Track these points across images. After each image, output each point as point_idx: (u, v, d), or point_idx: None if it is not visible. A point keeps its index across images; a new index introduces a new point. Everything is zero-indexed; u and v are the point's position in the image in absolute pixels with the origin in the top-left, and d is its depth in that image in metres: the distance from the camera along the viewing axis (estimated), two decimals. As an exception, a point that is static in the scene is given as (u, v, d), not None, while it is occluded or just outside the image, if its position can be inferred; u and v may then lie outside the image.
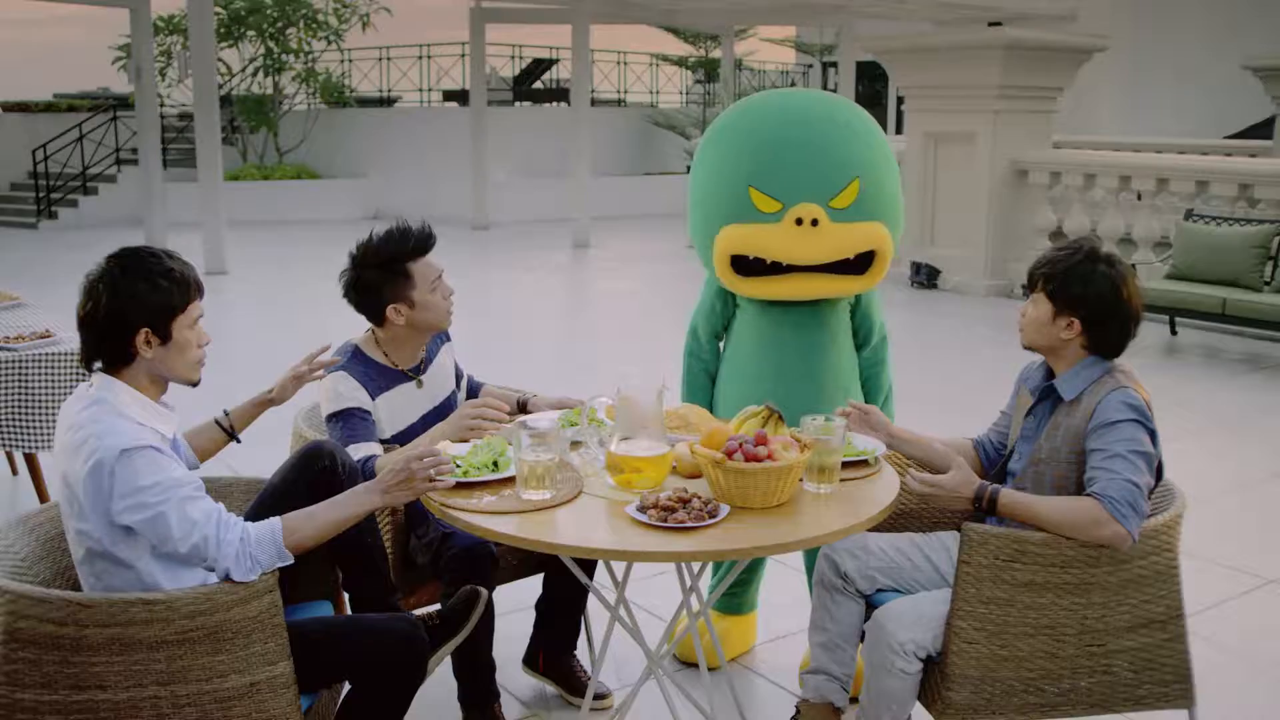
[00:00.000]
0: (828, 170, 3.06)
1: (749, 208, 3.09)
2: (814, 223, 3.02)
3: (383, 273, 3.05)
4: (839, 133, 3.13)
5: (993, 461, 2.90)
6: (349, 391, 3.01)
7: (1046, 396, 2.72)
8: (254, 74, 19.14)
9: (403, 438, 3.06)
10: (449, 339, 3.36)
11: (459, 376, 3.43)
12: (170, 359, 2.37)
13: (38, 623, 2.14)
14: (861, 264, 3.12)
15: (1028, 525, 2.53)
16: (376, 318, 3.10)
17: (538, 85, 23.55)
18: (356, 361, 3.08)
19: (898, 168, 3.28)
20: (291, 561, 2.32)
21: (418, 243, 3.08)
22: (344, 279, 3.10)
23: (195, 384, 2.46)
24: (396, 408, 3.10)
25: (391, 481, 2.41)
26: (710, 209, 3.21)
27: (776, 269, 3.11)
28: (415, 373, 3.17)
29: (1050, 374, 2.74)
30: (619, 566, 2.82)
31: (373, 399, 3.04)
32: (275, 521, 2.32)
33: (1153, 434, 2.57)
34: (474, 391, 3.47)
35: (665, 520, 2.28)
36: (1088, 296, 2.60)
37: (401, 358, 3.14)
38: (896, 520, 3.02)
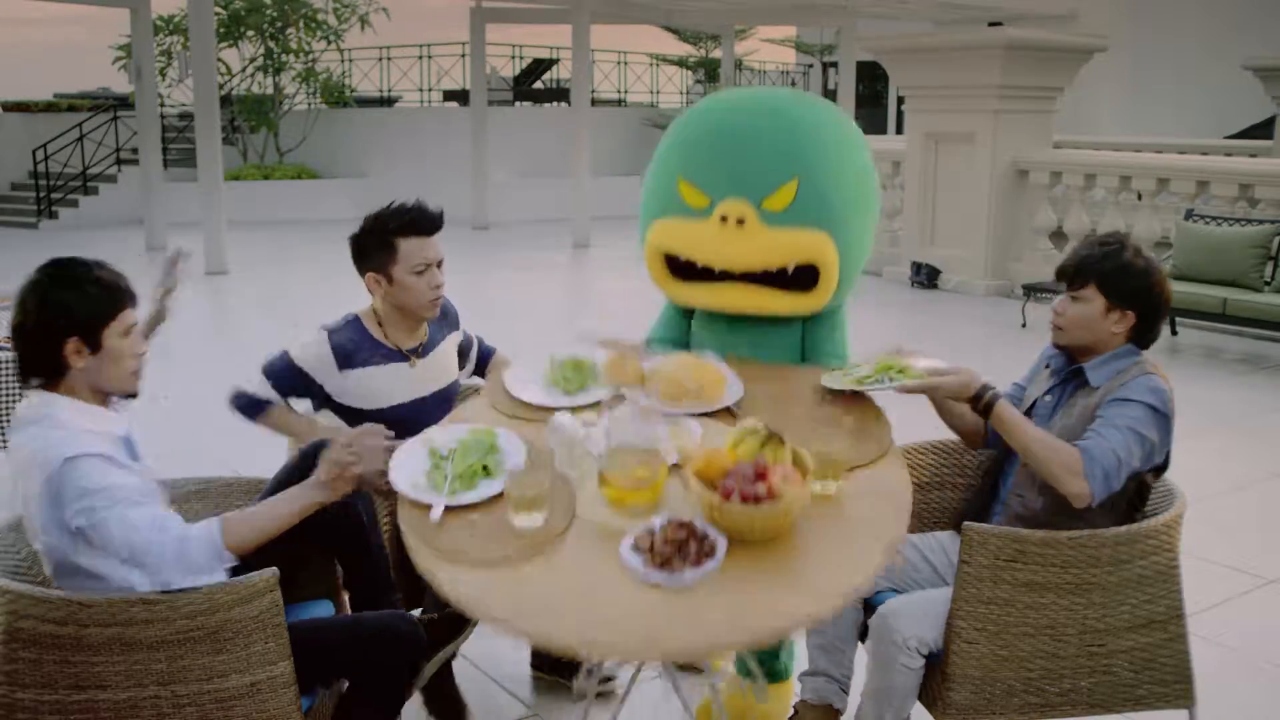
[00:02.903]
0: (761, 165, 2.72)
1: (678, 201, 2.80)
2: (740, 222, 2.68)
3: (374, 239, 3.06)
4: (782, 125, 2.77)
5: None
6: (313, 359, 3.04)
7: (1070, 379, 2.73)
8: (254, 74, 19.12)
9: (389, 415, 3.01)
10: (458, 328, 3.35)
11: (469, 345, 3.41)
12: (104, 369, 2.33)
13: (38, 622, 2.14)
14: (803, 281, 2.75)
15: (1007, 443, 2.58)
16: (363, 282, 3.11)
17: (538, 85, 23.55)
18: (349, 329, 3.08)
19: (869, 176, 2.90)
20: (234, 563, 2.28)
21: (415, 220, 3.06)
22: (351, 238, 3.14)
23: (133, 396, 2.42)
24: (380, 384, 3.07)
25: (326, 475, 2.38)
26: (646, 202, 2.96)
27: (710, 275, 2.80)
28: (412, 354, 3.14)
29: (1072, 359, 2.75)
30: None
31: (340, 370, 3.03)
32: (214, 522, 2.30)
33: (1167, 421, 2.59)
34: (485, 358, 3.47)
35: (664, 568, 2.01)
36: (1142, 291, 2.65)
37: (397, 336, 3.12)
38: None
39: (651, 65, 24.59)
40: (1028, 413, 2.77)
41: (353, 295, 3.28)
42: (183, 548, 2.23)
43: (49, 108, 19.71)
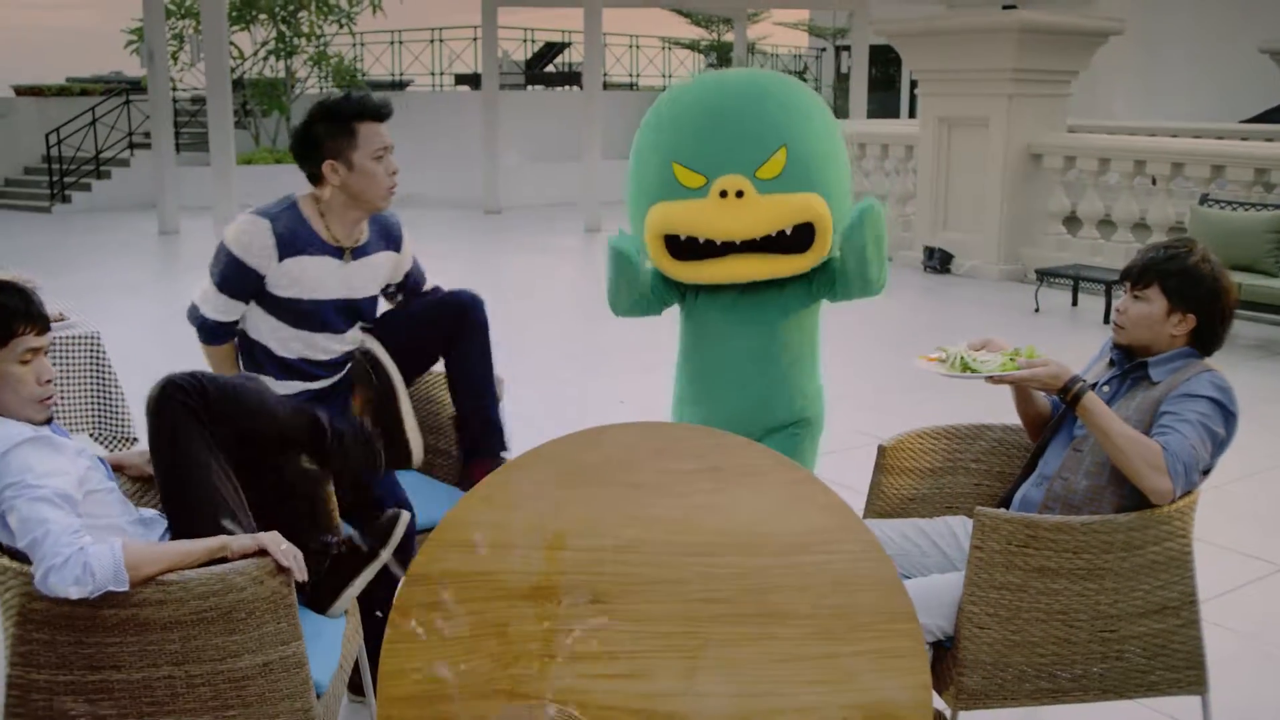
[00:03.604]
0: (750, 139, 2.90)
1: (674, 185, 2.94)
2: (739, 194, 2.85)
3: (329, 126, 3.01)
4: (763, 101, 2.96)
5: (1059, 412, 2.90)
6: (257, 249, 2.96)
7: (1132, 373, 2.74)
8: (266, 57, 19.13)
9: (307, 306, 3.01)
10: (399, 250, 3.26)
11: (418, 278, 3.34)
12: (2, 397, 2.28)
13: (51, 604, 2.16)
14: (801, 241, 2.93)
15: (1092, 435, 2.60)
16: (314, 175, 3.04)
17: (550, 69, 23.51)
18: (288, 216, 3.02)
19: (840, 139, 3.10)
20: (126, 588, 2.15)
21: (372, 105, 3.03)
22: (292, 131, 3.06)
23: (44, 423, 2.36)
24: (310, 275, 3.02)
25: (250, 545, 2.29)
26: (635, 187, 3.09)
27: (711, 250, 2.94)
28: (347, 252, 3.08)
29: (1134, 353, 2.76)
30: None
31: (280, 260, 2.98)
32: (117, 542, 2.18)
33: (1235, 418, 2.61)
34: (416, 290, 3.37)
35: None
36: (1205, 295, 2.66)
37: (338, 231, 3.07)
38: (905, 507, 3.02)
39: (664, 49, 24.54)
40: None
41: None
42: (80, 556, 2.11)
43: (61, 92, 19.74)
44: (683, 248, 2.94)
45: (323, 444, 2.70)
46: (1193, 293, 2.66)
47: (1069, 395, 2.62)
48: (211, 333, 3.09)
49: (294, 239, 2.99)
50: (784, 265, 2.95)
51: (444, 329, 3.21)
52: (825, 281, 3.07)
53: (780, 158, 2.89)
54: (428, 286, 3.40)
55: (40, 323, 2.32)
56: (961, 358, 2.74)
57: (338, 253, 3.06)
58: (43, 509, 2.16)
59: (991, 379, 2.68)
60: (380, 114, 3.04)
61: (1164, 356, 2.70)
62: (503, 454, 3.22)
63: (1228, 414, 2.60)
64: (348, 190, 3.02)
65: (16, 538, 2.18)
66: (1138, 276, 2.72)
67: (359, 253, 3.11)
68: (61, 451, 2.29)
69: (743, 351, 3.06)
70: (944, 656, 2.57)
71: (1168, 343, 2.70)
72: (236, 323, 3.09)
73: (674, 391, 3.26)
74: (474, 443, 3.25)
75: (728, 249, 2.92)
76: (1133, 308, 2.72)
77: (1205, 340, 2.71)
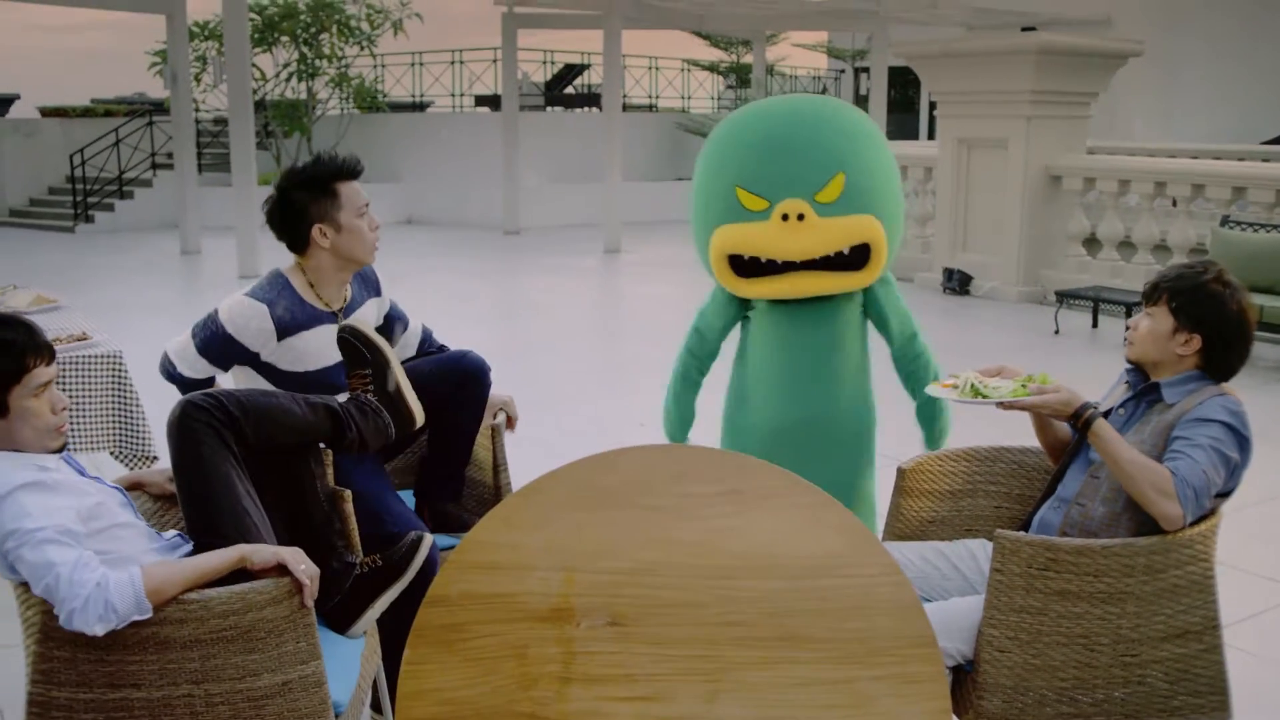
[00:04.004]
0: (810, 165, 3.10)
1: (738, 208, 3.16)
2: (800, 217, 3.06)
3: (309, 192, 3.00)
4: (821, 128, 3.17)
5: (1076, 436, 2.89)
6: (254, 331, 2.97)
7: (1146, 395, 2.73)
8: (288, 79, 19.28)
9: (318, 377, 3.01)
10: (380, 294, 3.30)
11: (398, 318, 3.39)
12: (15, 431, 2.28)
13: (74, 622, 2.16)
14: (857, 259, 3.15)
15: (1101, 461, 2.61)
16: (300, 243, 3.03)
17: (569, 90, 23.62)
18: (286, 298, 3.02)
19: (894, 164, 3.31)
20: (149, 614, 2.15)
21: (345, 166, 3.03)
22: (267, 204, 3.05)
23: (58, 451, 2.36)
24: (313, 348, 3.03)
25: (271, 558, 2.30)
26: (699, 210, 3.31)
27: (773, 268, 3.15)
28: (339, 313, 3.10)
29: (1149, 374, 2.75)
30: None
31: (279, 340, 2.98)
32: (135, 570, 2.17)
33: (1248, 442, 2.58)
34: (428, 347, 3.46)
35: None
36: (1213, 317, 2.62)
37: (328, 294, 3.08)
38: (924, 529, 3.01)
39: (683, 71, 24.61)
40: None
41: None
42: (100, 594, 2.10)
43: (86, 113, 19.95)
44: (746, 266, 3.17)
45: (344, 434, 2.72)
46: (1198, 312, 2.63)
47: (1080, 421, 2.62)
48: (185, 387, 3.08)
49: (294, 320, 3.01)
50: (841, 282, 3.18)
51: (450, 386, 3.23)
52: (876, 317, 3.35)
53: (838, 182, 3.08)
54: (429, 337, 3.49)
55: (47, 352, 2.32)
56: (973, 383, 2.76)
57: (332, 317, 3.08)
58: (48, 551, 2.13)
59: (1002, 405, 2.70)
60: (356, 172, 3.06)
61: (1177, 379, 2.68)
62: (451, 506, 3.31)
63: (1240, 438, 2.57)
64: (338, 252, 3.03)
65: (31, 586, 2.16)
66: (1149, 292, 2.72)
67: (349, 310, 3.14)
68: (58, 491, 2.25)
69: (802, 350, 3.26)
70: (964, 680, 2.56)
71: (1175, 362, 2.67)
72: (212, 379, 3.09)
73: (729, 402, 3.41)
74: (438, 489, 3.31)
75: (788, 266, 3.14)
76: (1143, 323, 2.71)
77: (1215, 364, 2.66)
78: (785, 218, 3.07)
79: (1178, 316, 2.64)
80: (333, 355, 3.03)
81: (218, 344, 3.01)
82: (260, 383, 3.04)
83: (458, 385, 3.24)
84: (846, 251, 3.13)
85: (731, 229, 3.17)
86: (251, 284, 3.08)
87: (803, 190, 3.09)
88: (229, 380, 3.11)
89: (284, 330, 2.99)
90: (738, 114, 3.39)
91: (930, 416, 3.45)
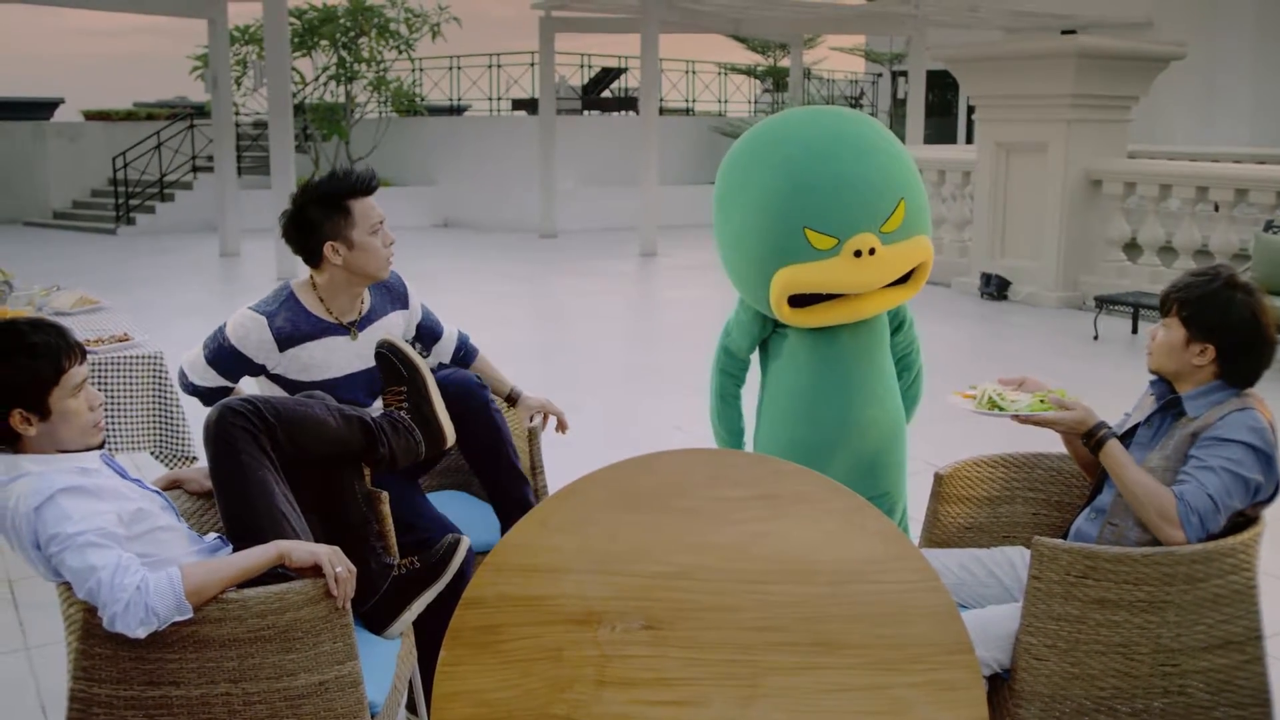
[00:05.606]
0: (877, 199, 3.05)
1: (805, 248, 3.04)
2: (871, 252, 3.01)
3: (323, 209, 3.01)
4: (878, 158, 3.12)
5: None
6: (254, 343, 3.00)
7: (1170, 409, 2.70)
8: (327, 83, 19.42)
9: (328, 387, 3.02)
10: (407, 306, 3.30)
11: (433, 329, 3.41)
12: (57, 431, 2.31)
13: (115, 619, 2.18)
14: (907, 275, 3.16)
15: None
16: (314, 258, 3.04)
17: (606, 94, 23.64)
18: (286, 309, 3.04)
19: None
20: (190, 615, 2.18)
21: (359, 181, 3.04)
22: (283, 218, 3.07)
23: (97, 448, 2.39)
24: (319, 359, 3.05)
25: (300, 551, 2.32)
26: (756, 250, 3.13)
27: (830, 295, 3.10)
28: (353, 326, 3.11)
29: (1173, 387, 2.71)
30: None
31: (281, 351, 3.00)
32: (174, 570, 2.20)
33: (1270, 458, 2.54)
34: (467, 354, 3.48)
35: None
36: (1224, 324, 2.57)
37: (339, 308, 3.09)
38: (962, 536, 2.99)
39: (719, 74, 24.59)
40: (1126, 437, 2.74)
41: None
42: (140, 597, 2.13)
43: (128, 116, 20.18)
44: (805, 297, 3.11)
45: (376, 450, 2.74)
46: (1209, 321, 2.58)
47: (1093, 441, 2.61)
48: (205, 398, 3.12)
49: (294, 332, 3.02)
50: (896, 297, 3.17)
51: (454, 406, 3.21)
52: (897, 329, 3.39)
53: (900, 211, 3.06)
54: (465, 343, 3.51)
55: (79, 352, 2.35)
56: (990, 395, 2.77)
57: (343, 330, 3.09)
58: (89, 555, 2.16)
59: (1017, 418, 2.70)
60: (370, 187, 3.07)
61: (1198, 390, 2.63)
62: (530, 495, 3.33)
63: (1262, 455, 2.52)
64: (350, 268, 3.04)
65: (74, 590, 2.20)
66: (1161, 303, 2.68)
67: (365, 323, 3.14)
68: (99, 495, 2.28)
69: (850, 359, 3.25)
70: (1000, 689, 2.54)
71: (1194, 373, 2.63)
72: (228, 389, 3.12)
73: (763, 416, 3.36)
74: (503, 493, 3.33)
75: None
76: (1159, 335, 2.68)
77: (1233, 372, 2.61)
78: (858, 254, 3.00)
79: (1189, 326, 2.60)
80: (343, 366, 3.07)
81: (224, 356, 3.05)
82: (278, 393, 3.06)
83: (459, 407, 3.18)
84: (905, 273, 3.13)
85: (799, 270, 3.04)
86: (259, 296, 3.12)
87: (870, 224, 3.02)
88: (253, 387, 3.14)
89: (285, 341, 3.01)
90: (775, 137, 3.19)
91: (913, 399, 3.50)
